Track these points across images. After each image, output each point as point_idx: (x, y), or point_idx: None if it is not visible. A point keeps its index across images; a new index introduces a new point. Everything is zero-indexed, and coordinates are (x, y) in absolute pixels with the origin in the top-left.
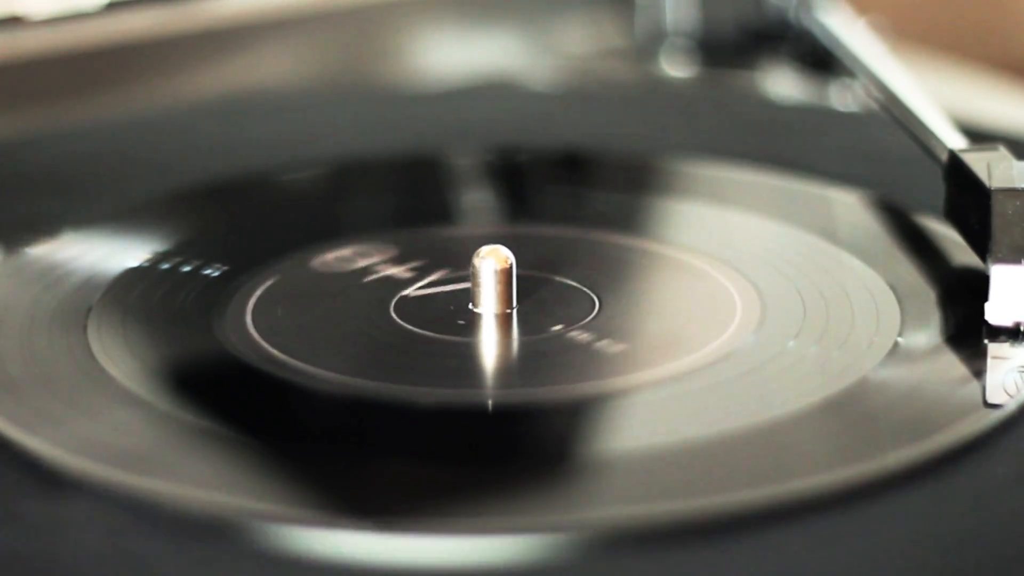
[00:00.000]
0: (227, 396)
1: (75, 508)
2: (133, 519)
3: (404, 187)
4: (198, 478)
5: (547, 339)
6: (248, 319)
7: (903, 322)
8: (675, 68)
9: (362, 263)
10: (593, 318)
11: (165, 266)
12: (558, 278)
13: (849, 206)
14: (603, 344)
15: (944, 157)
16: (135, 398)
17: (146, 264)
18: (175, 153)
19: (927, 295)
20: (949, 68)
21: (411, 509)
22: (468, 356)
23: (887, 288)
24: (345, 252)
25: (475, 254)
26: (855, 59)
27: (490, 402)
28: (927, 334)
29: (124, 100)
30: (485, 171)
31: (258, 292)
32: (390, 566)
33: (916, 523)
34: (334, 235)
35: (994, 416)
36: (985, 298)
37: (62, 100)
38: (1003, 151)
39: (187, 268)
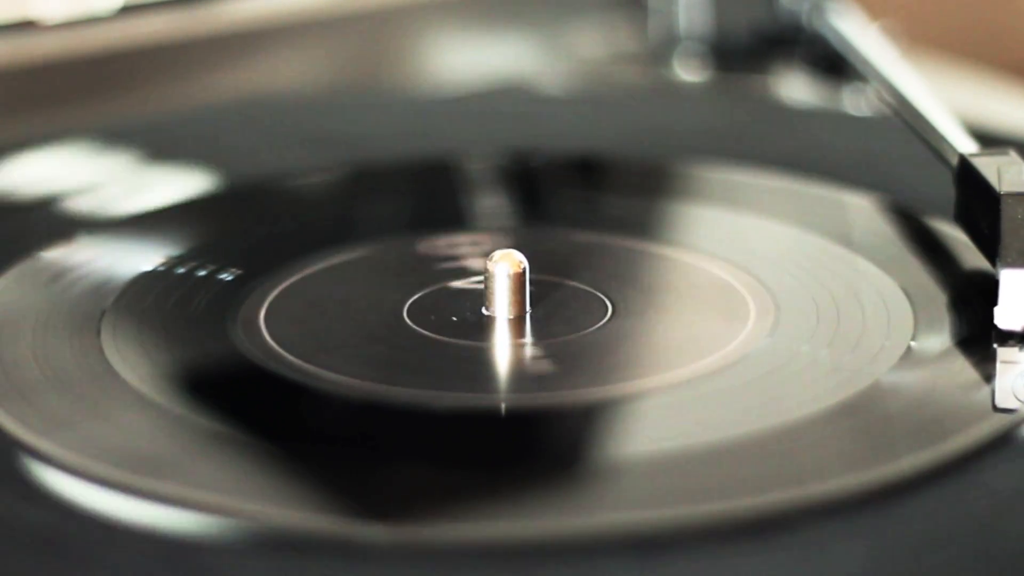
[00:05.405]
0: (241, 400)
1: (87, 512)
2: (146, 523)
3: (418, 191)
4: (211, 482)
5: (560, 343)
6: (261, 323)
7: (916, 326)
8: (688, 72)
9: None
10: (607, 322)
11: (179, 270)
12: (572, 282)
13: (861, 210)
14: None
15: (955, 161)
16: (148, 402)
17: (160, 268)
18: (189, 157)
19: (938, 299)
20: (961, 72)
21: (425, 513)
22: (481, 360)
23: (900, 292)
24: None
25: (488, 258)
26: (867, 63)
27: (503, 406)
28: (938, 338)
29: (138, 104)
30: (499, 175)
31: (271, 296)
32: (401, 569)
33: (929, 526)
34: (348, 239)
35: (1005, 420)
36: (995, 302)
37: (76, 104)
38: (1013, 155)
39: (201, 272)
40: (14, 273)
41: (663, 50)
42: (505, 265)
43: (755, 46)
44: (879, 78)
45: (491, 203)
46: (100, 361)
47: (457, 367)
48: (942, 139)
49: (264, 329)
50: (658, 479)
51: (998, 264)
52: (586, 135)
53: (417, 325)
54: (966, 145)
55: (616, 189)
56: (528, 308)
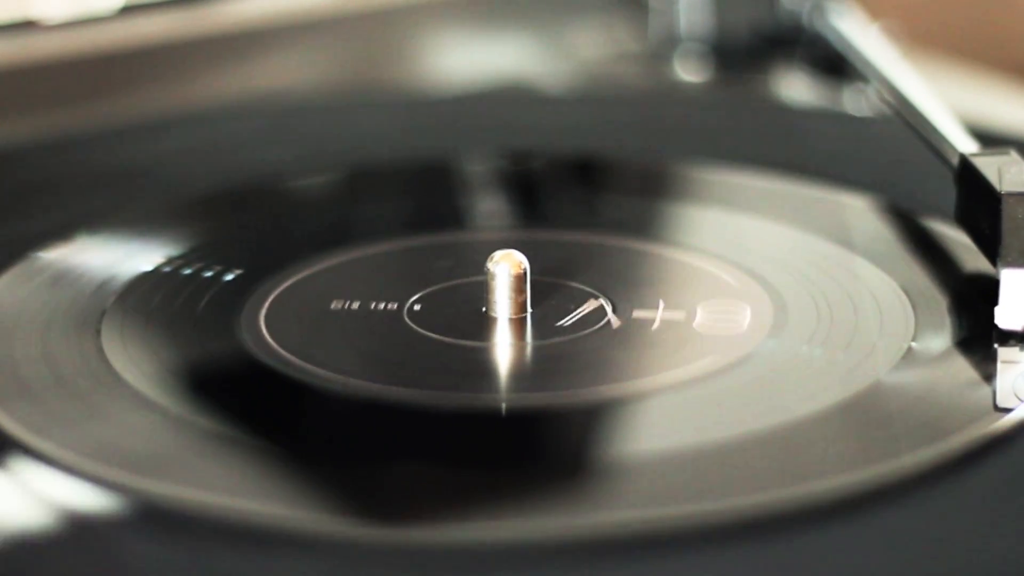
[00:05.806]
0: (241, 400)
1: (87, 511)
2: (146, 523)
3: (418, 192)
4: (211, 482)
5: (561, 343)
6: (262, 323)
7: (916, 326)
8: (689, 73)
9: None
10: (607, 322)
11: (179, 270)
12: (572, 283)
13: (861, 210)
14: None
15: (955, 161)
16: (148, 402)
17: (160, 268)
18: (189, 157)
19: (939, 299)
20: (961, 72)
21: (425, 513)
22: (482, 360)
23: (900, 292)
24: None
25: (489, 259)
26: (868, 64)
27: (504, 406)
28: (939, 338)
29: (138, 104)
30: (499, 176)
31: (272, 296)
32: (401, 569)
33: (930, 525)
34: (348, 239)
35: (1005, 420)
36: (995, 302)
37: (76, 104)
38: (1014, 155)
39: (201, 272)
40: (14, 273)
41: (663, 50)
42: (506, 266)
43: (755, 46)
44: (879, 78)
45: (491, 204)
46: (100, 361)
47: (459, 367)
48: (942, 139)
49: (264, 329)
50: (658, 479)
51: (999, 264)
52: (586, 135)
53: (417, 325)
54: (966, 145)
55: (616, 189)
56: (529, 308)
